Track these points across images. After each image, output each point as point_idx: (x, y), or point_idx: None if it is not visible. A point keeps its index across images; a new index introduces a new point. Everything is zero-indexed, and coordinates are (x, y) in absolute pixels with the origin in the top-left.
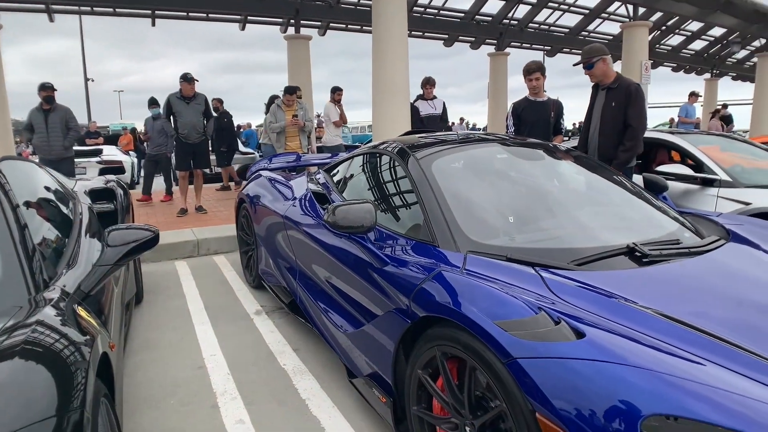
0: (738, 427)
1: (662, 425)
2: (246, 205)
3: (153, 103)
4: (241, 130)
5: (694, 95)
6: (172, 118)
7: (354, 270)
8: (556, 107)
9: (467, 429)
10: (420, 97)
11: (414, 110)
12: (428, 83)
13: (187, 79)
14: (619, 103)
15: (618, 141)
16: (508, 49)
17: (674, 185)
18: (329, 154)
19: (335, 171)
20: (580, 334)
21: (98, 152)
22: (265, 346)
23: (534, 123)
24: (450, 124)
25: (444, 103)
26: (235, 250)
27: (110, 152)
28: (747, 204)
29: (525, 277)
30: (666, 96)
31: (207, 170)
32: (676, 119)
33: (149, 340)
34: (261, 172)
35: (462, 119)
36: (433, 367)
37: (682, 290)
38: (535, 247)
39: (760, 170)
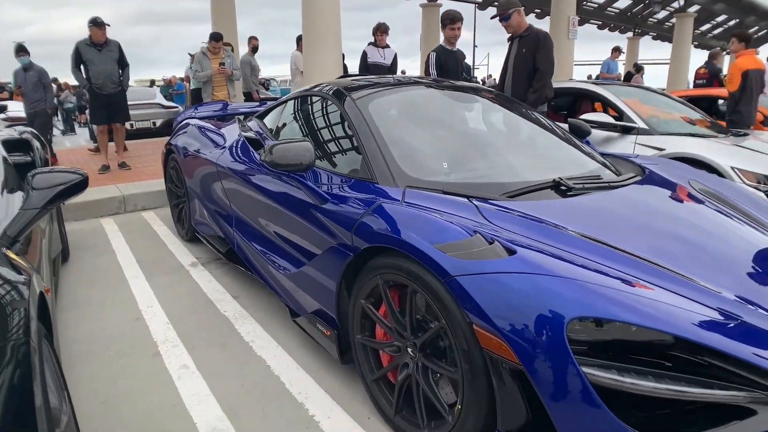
0: (647, 324)
1: (584, 328)
2: (175, 155)
3: (21, 50)
4: (172, 84)
5: (617, 50)
6: (82, 67)
7: (294, 210)
8: (462, 57)
9: (409, 350)
10: (371, 44)
11: (362, 55)
12: (379, 30)
13: (97, 23)
14: (529, 49)
15: (528, 85)
16: (440, 0)
17: (597, 132)
18: (257, 103)
19: (268, 117)
20: (511, 252)
21: (2, 109)
22: (203, 296)
23: (453, 71)
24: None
25: (396, 54)
26: (164, 205)
27: (16, 108)
28: (661, 150)
29: (461, 206)
30: (592, 54)
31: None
32: (594, 76)
33: (79, 297)
34: (188, 121)
35: (404, 72)
36: (375, 296)
37: (603, 218)
38: (469, 182)
39: (674, 120)
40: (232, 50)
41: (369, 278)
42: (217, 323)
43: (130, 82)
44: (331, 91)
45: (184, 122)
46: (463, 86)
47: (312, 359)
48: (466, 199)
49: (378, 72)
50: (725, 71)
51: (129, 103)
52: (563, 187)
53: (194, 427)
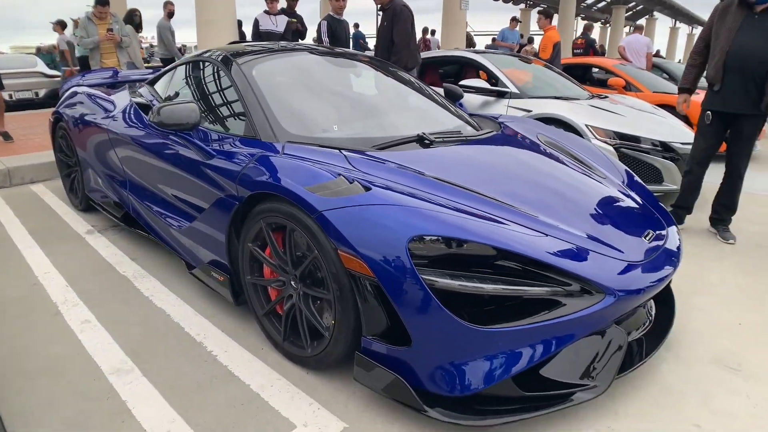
0: (472, 239)
1: (425, 246)
2: (63, 124)
3: None
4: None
5: (514, 20)
6: None
7: (184, 169)
8: (348, 26)
9: (292, 283)
10: (264, 11)
11: (254, 23)
12: None
13: None
14: (388, 22)
15: (388, 56)
16: None
17: (478, 97)
18: (150, 71)
19: (158, 83)
20: (368, 189)
21: None
22: (101, 260)
23: (342, 39)
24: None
25: (288, 21)
26: (55, 178)
27: None
28: (528, 111)
29: (331, 156)
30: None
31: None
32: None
33: None
34: (76, 88)
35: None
36: (261, 239)
37: (456, 164)
38: (342, 137)
39: (545, 86)
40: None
41: (254, 223)
42: (116, 282)
43: (5, 49)
44: (219, 57)
45: (72, 90)
46: (343, 52)
47: (209, 306)
48: (337, 151)
49: (270, 39)
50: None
51: (4, 71)
52: (426, 141)
53: (98, 370)
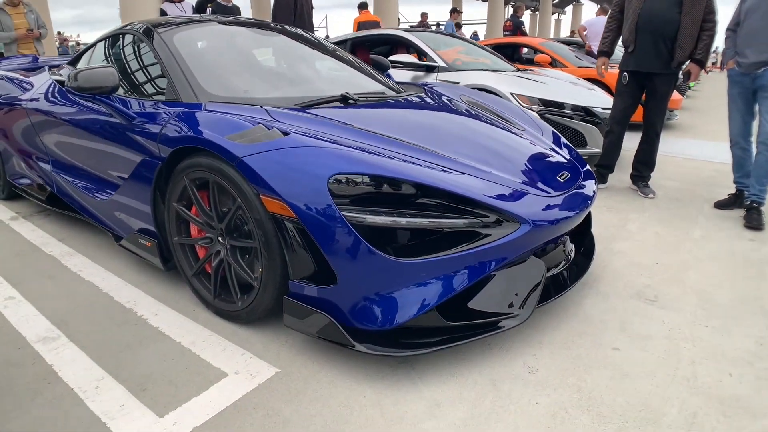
0: (392, 175)
1: (343, 184)
2: None
3: None
4: None
5: (456, 12)
6: None
7: (106, 136)
8: (238, 11)
9: (219, 239)
10: (167, 0)
11: (160, 13)
12: None
13: None
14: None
15: None
16: None
17: (408, 72)
18: (71, 56)
19: (80, 61)
20: (286, 134)
21: None
22: (27, 243)
23: None
24: None
25: (194, 6)
26: None
27: None
28: (457, 83)
29: (253, 110)
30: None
31: None
32: None
33: None
34: None
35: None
36: (186, 197)
37: (379, 118)
38: (264, 97)
39: (473, 62)
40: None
41: (177, 181)
42: (43, 261)
43: None
44: (141, 29)
45: None
46: (259, 23)
47: (140, 275)
48: (259, 106)
49: None
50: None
51: None
52: (351, 100)
53: (22, 340)
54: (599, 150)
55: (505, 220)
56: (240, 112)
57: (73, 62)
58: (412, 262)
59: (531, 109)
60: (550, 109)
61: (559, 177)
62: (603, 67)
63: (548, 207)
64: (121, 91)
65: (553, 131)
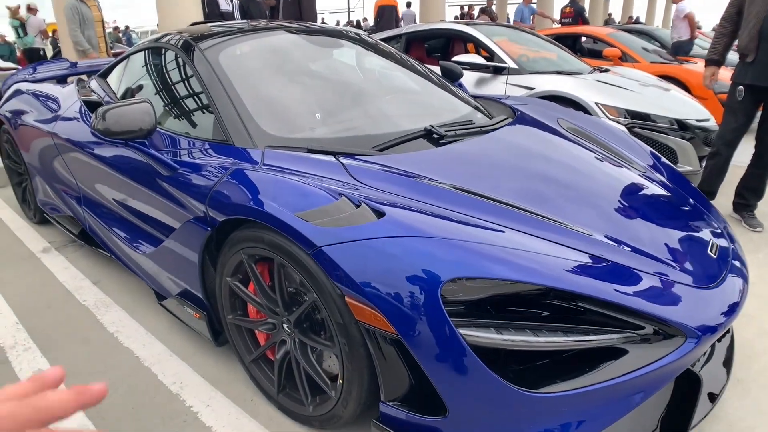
0: (521, 278)
1: (460, 287)
2: (6, 127)
3: None
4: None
5: None
6: None
7: (142, 183)
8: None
9: (285, 326)
10: None
11: (212, 4)
12: None
13: None
14: None
15: None
16: None
17: (470, 74)
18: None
19: (111, 75)
20: (380, 214)
21: None
22: (59, 285)
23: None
24: None
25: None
26: (6, 185)
27: None
28: (531, 89)
29: (325, 165)
30: None
31: None
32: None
33: None
34: (20, 85)
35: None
36: (242, 272)
37: (475, 165)
38: (335, 137)
39: (543, 59)
40: None
41: (232, 254)
42: (75, 316)
43: None
44: (179, 43)
45: (15, 86)
46: (326, 30)
47: (186, 342)
48: (333, 158)
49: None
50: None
51: None
52: (435, 136)
53: None
54: (691, 168)
55: (665, 331)
56: (311, 170)
57: (104, 74)
58: (549, 396)
59: (618, 122)
60: (638, 122)
61: (711, 251)
62: (712, 77)
63: (712, 303)
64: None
65: (668, 165)
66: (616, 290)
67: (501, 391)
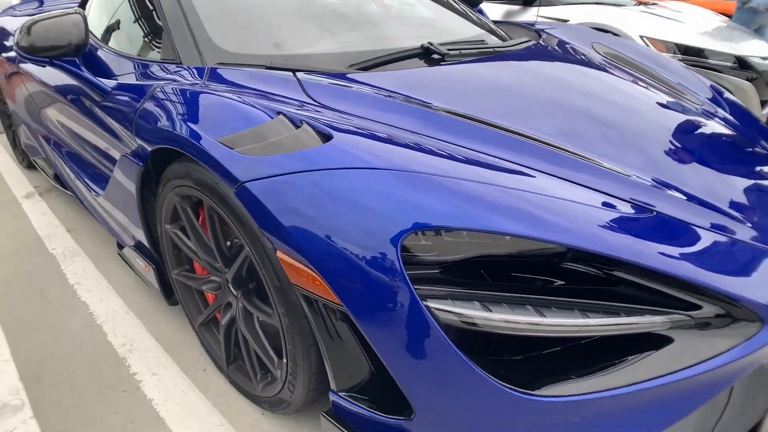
0: (528, 233)
1: (435, 244)
2: None
3: None
4: None
5: None
6: None
7: (82, 112)
8: None
9: (230, 286)
10: None
11: None
12: None
13: None
14: None
15: None
16: None
17: (498, 6)
18: None
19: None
20: (327, 138)
21: None
22: (33, 232)
23: None
24: None
25: None
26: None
27: None
28: (565, 21)
29: (277, 82)
30: None
31: None
32: None
33: None
34: (2, 18)
35: None
36: (180, 219)
37: (482, 89)
38: (303, 53)
39: None
40: None
41: (166, 195)
42: (40, 265)
43: None
44: None
45: None
46: None
47: (146, 301)
48: (291, 74)
49: None
50: None
51: None
52: (435, 56)
53: None
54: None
55: (730, 314)
56: (258, 85)
57: (83, 5)
58: (555, 401)
59: None
60: (690, 58)
61: None
62: None
63: None
64: (120, 45)
65: (733, 101)
66: (662, 253)
67: (485, 391)
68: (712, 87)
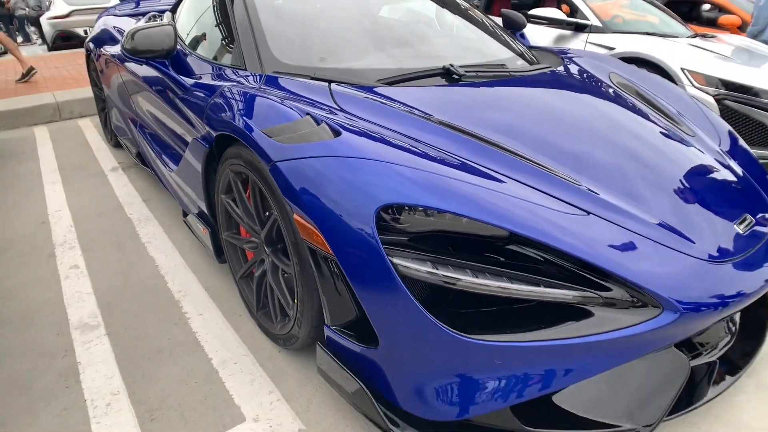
0: (474, 215)
1: (399, 217)
2: (91, 55)
3: None
4: None
5: None
6: None
7: (167, 103)
8: None
9: (265, 247)
10: None
11: None
12: None
13: None
14: None
15: None
16: None
17: (551, 30)
18: None
19: (178, 8)
20: (337, 134)
21: None
22: (114, 199)
23: None
24: None
25: None
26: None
27: None
28: (611, 48)
29: (314, 90)
30: None
31: None
32: None
33: None
34: (105, 19)
35: None
36: (232, 191)
37: (480, 107)
38: (341, 67)
39: (638, 21)
40: None
41: (223, 171)
42: (119, 225)
43: None
44: None
45: (101, 20)
46: None
47: (200, 258)
48: (326, 84)
49: None
50: None
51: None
52: (454, 75)
53: (65, 323)
54: None
55: (637, 300)
56: (300, 91)
57: (174, 9)
58: (485, 344)
59: (706, 92)
60: (733, 93)
61: (738, 225)
62: None
63: (713, 280)
64: (200, 50)
65: (731, 133)
66: (584, 244)
67: (431, 330)
68: (729, 131)
